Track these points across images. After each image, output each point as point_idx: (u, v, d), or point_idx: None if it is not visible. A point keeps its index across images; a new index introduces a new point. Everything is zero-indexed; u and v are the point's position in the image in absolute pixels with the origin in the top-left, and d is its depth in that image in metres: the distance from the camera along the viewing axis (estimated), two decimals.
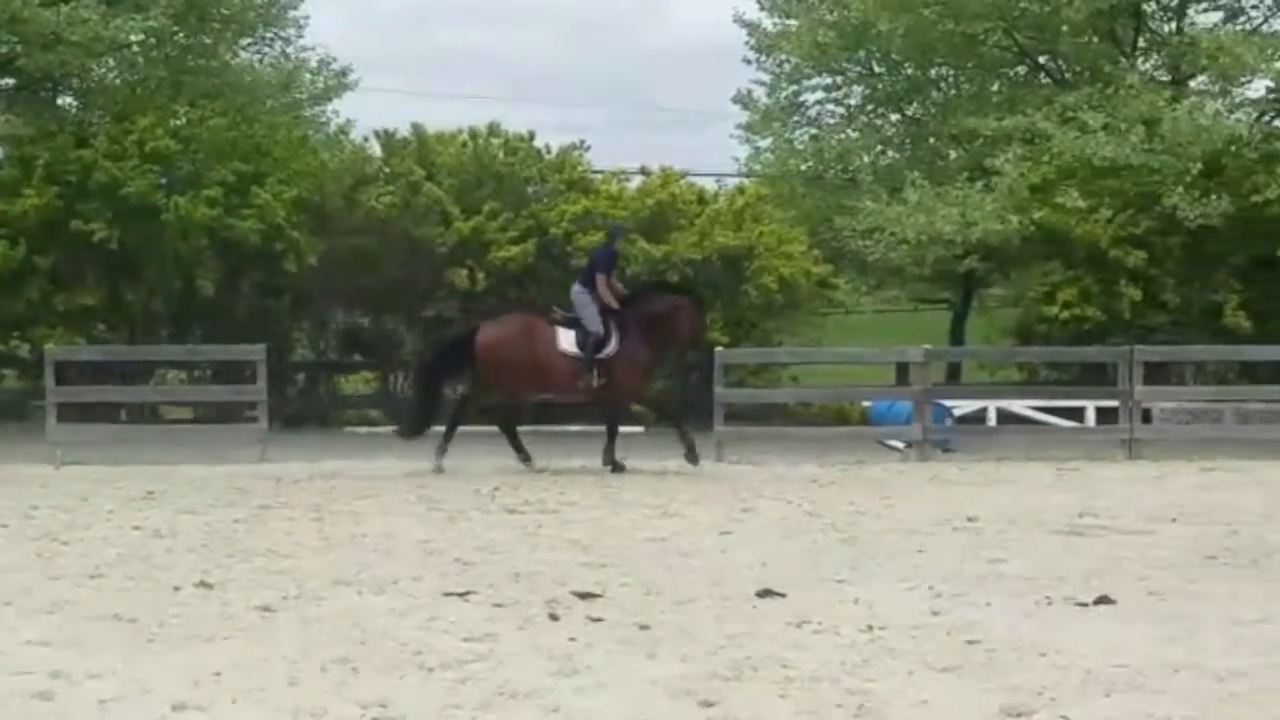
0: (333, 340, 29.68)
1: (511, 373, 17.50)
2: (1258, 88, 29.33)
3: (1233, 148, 27.12)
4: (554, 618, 8.09)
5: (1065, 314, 26.75)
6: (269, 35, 30.87)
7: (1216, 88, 29.17)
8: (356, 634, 7.58)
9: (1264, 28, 29.39)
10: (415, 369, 20.66)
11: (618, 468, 17.38)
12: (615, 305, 17.51)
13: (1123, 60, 28.82)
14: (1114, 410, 20.98)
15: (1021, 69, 31.09)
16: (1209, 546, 10.88)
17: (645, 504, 13.99)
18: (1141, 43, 30.24)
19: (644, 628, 7.80)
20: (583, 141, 29.62)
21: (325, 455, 19.38)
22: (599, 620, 8.03)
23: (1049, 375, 27.49)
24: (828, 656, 7.09)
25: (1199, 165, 26.39)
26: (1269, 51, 27.77)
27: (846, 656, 7.10)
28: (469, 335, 18.02)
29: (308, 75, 31.22)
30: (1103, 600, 8.54)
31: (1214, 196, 26.17)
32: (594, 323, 17.40)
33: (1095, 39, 30.01)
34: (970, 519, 12.71)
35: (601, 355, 17.40)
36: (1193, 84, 29.48)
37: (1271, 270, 26.57)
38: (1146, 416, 21.59)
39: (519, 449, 17.63)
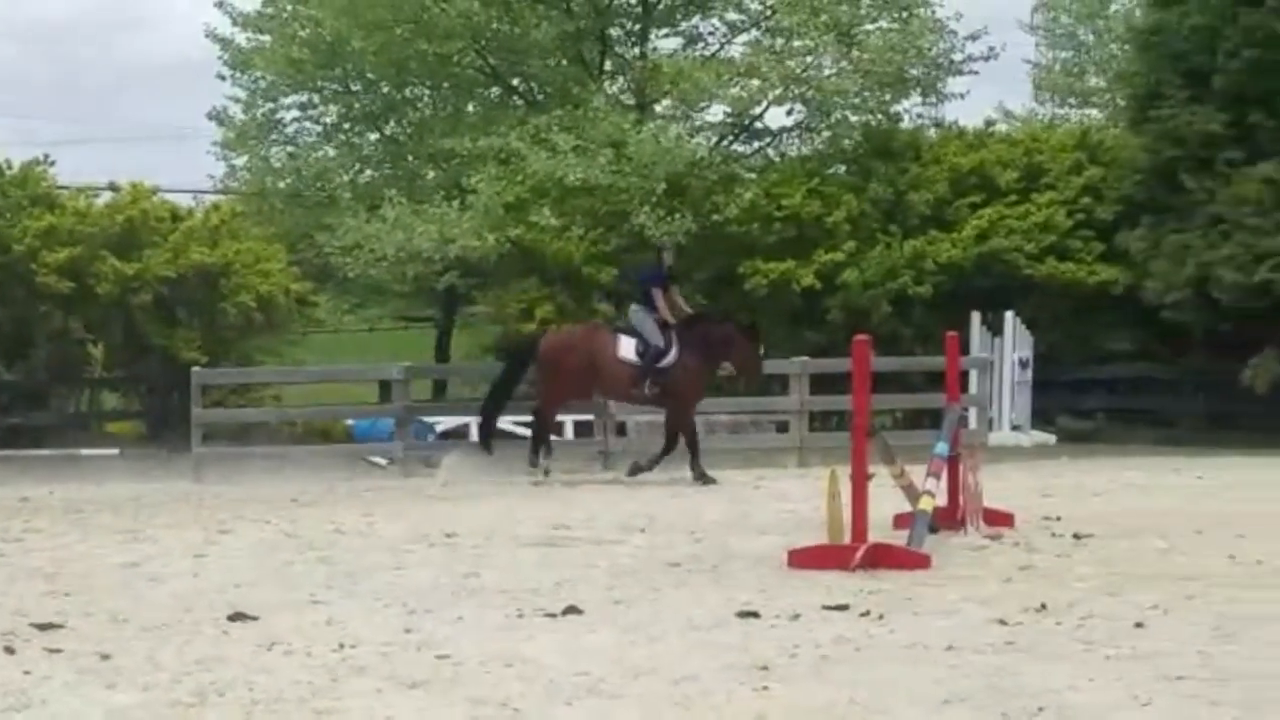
0: None
1: (571, 375, 18.31)
2: (716, 112, 30.77)
3: (694, 169, 28.36)
4: (9, 650, 7.78)
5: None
6: None
7: (679, 111, 30.42)
8: None
9: (720, 54, 30.82)
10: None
11: (706, 480, 17.58)
12: (672, 320, 18.11)
13: (591, 83, 29.73)
14: (590, 424, 21.63)
15: (495, 90, 31.62)
16: (674, 554, 11.32)
17: (117, 529, 13.60)
18: (608, 66, 31.24)
19: (105, 657, 7.59)
20: (46, 156, 28.60)
21: None
22: (58, 651, 7.77)
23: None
24: (297, 677, 7.07)
25: (664, 185, 27.48)
26: (725, 77, 29.16)
27: (315, 677, 7.09)
28: (534, 340, 19.24)
29: None
30: (571, 610, 8.79)
31: (678, 216, 27.30)
32: (654, 336, 18.07)
33: (564, 61, 30.83)
34: (449, 534, 12.85)
35: (661, 365, 17.98)
36: (657, 108, 30.65)
37: (732, 285, 27.88)
38: (621, 429, 22.29)
39: (535, 451, 18.40)
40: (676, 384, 18.11)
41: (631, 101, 30.42)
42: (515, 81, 31.55)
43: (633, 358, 18.19)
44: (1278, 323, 24.16)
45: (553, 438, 23.15)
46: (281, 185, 31.01)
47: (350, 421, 25.72)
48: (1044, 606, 8.79)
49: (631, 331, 18.41)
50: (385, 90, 31.29)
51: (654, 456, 18.31)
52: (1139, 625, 8.32)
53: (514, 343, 21.52)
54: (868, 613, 8.65)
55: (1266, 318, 24.12)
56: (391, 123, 31.82)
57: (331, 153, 31.60)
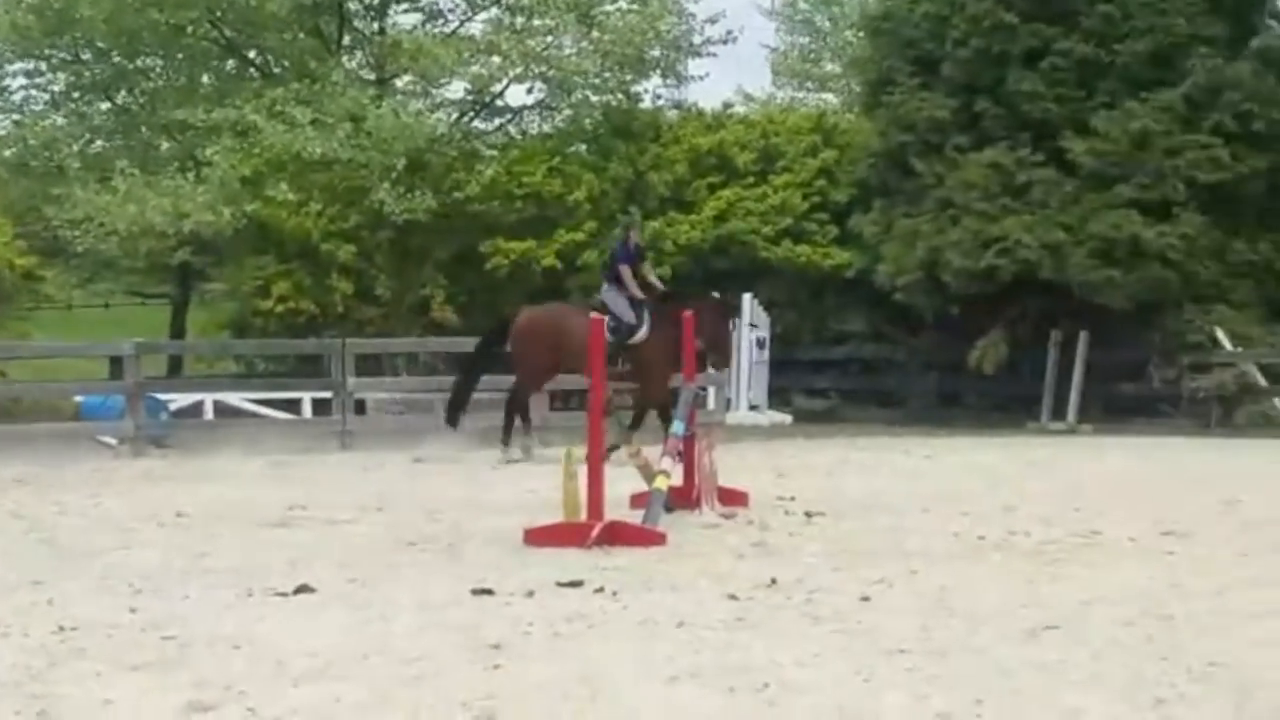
0: None
1: (542, 354, 18.10)
2: (456, 89, 30.63)
3: (434, 145, 28.17)
4: None
5: (280, 307, 27.00)
6: None
7: (419, 87, 30.20)
8: None
9: (460, 31, 30.66)
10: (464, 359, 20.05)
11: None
12: (640, 295, 17.90)
13: (329, 57, 29.31)
14: (329, 402, 21.35)
15: (231, 62, 30.99)
16: (410, 533, 11.25)
17: None
18: (347, 40, 30.84)
19: None
20: None
21: None
22: None
23: (266, 368, 27.66)
24: (14, 661, 6.86)
25: (403, 162, 27.24)
26: (465, 54, 29.02)
27: (33, 659, 6.89)
28: (507, 320, 18.86)
29: None
30: (303, 589, 8.68)
31: (418, 193, 27.10)
32: (626, 313, 17.87)
33: (301, 34, 30.34)
34: (180, 514, 12.59)
35: (633, 341, 17.76)
36: (397, 83, 30.38)
37: (473, 265, 27.79)
38: (360, 407, 22.07)
39: (507, 431, 18.06)
40: (648, 360, 17.90)
41: (371, 77, 30.11)
42: (251, 54, 30.98)
43: (606, 335, 18.05)
44: (1004, 306, 24.92)
45: (289, 417, 22.96)
46: (7, 154, 30.00)
47: (79, 398, 25.00)
48: (774, 582, 8.94)
49: (604, 309, 18.05)
50: (116, 59, 30.42)
51: (627, 435, 17.81)
52: (865, 600, 8.51)
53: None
54: (602, 589, 8.70)
55: (993, 301, 24.86)
56: (123, 92, 30.96)
57: (60, 121, 30.64)
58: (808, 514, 12.20)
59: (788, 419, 24.94)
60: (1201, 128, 25.01)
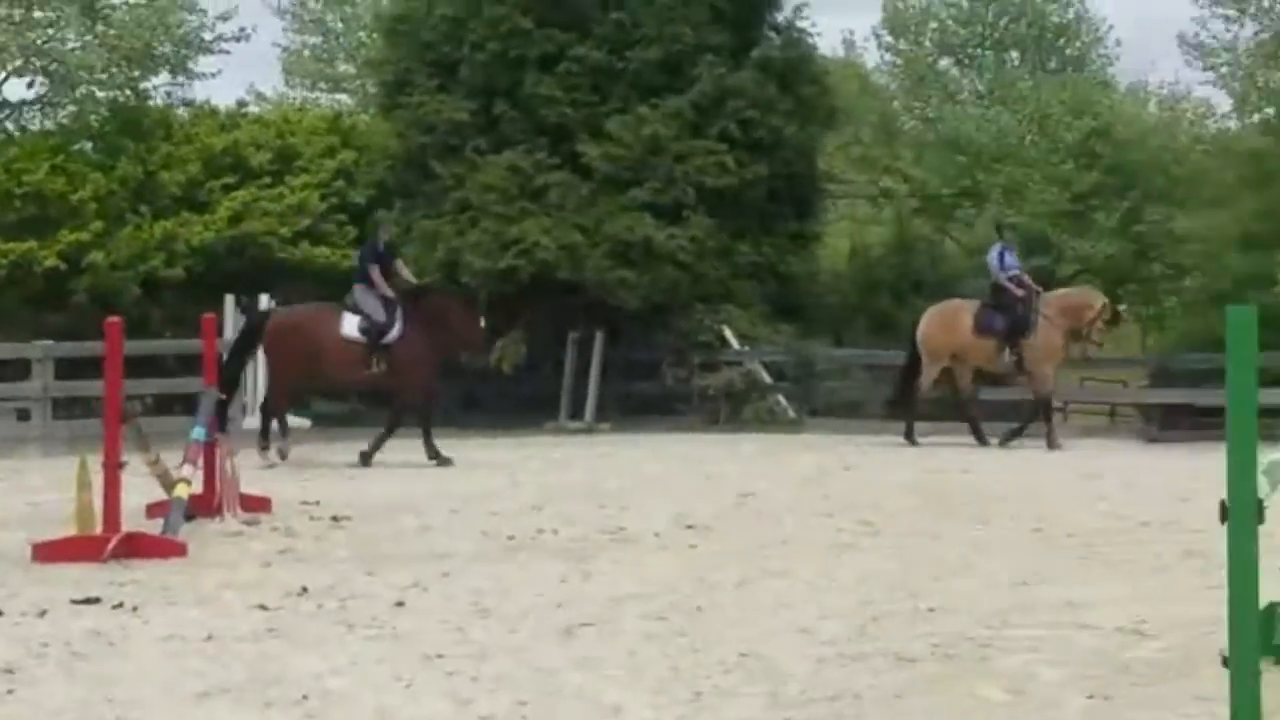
0: None
1: (296, 357, 17.63)
2: None
3: None
4: None
5: None
6: None
7: None
8: None
9: None
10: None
11: (443, 460, 17.04)
12: (391, 294, 17.69)
13: None
14: None
15: None
16: None
17: None
18: None
19: None
20: None
21: None
22: None
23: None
24: None
25: None
26: None
27: None
28: (260, 322, 18.37)
29: None
30: None
31: None
32: (377, 312, 17.65)
33: None
34: None
35: (385, 341, 17.51)
36: None
37: None
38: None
39: (264, 435, 17.55)
40: (402, 360, 17.60)
41: None
42: None
43: (357, 335, 17.67)
44: (523, 306, 25.12)
45: None
46: None
47: None
48: (305, 590, 8.72)
49: (356, 309, 17.86)
50: None
51: (380, 436, 17.59)
52: (399, 604, 8.39)
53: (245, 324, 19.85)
54: (121, 605, 8.31)
55: (513, 301, 25.03)
56: None
57: None
58: (334, 518, 11.99)
59: (306, 424, 24.49)
60: (708, 134, 25.77)
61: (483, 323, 18.44)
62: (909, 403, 20.81)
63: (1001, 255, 20.97)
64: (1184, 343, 23.10)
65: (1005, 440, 19.86)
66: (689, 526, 11.58)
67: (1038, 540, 10.88)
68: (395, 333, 17.77)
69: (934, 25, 47.93)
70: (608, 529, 11.50)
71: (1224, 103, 44.42)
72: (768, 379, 24.55)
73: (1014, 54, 48.11)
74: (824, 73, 29.12)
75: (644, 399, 25.48)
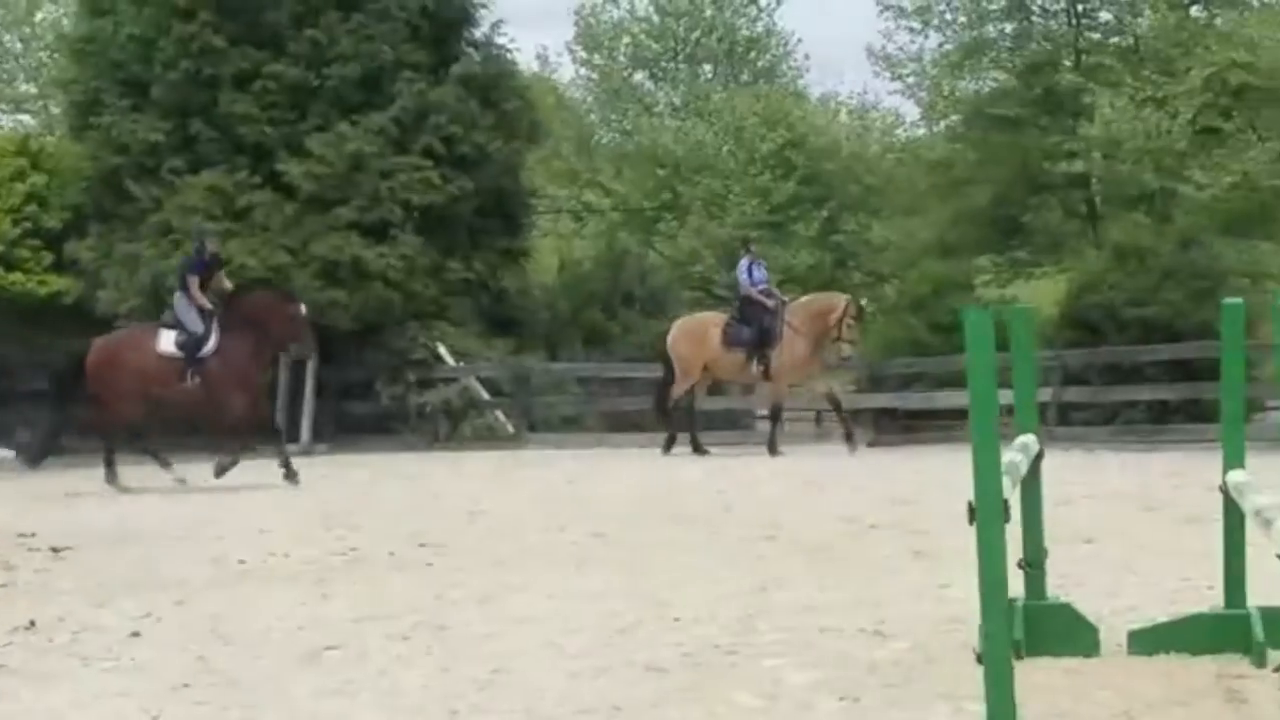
0: None
1: (118, 382, 17.44)
2: None
3: None
4: None
5: None
6: None
7: None
8: None
9: None
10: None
11: (290, 474, 16.98)
12: (208, 306, 17.44)
13: None
14: None
15: None
16: None
17: None
18: None
19: None
20: None
21: None
22: None
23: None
24: None
25: None
26: None
27: None
28: (82, 354, 18.08)
29: None
30: None
31: None
32: (195, 324, 17.44)
33: None
34: None
35: (201, 354, 17.29)
36: None
37: None
38: None
39: (109, 465, 17.36)
40: (217, 374, 17.34)
41: None
42: None
43: (174, 350, 17.32)
44: None
45: None
46: None
47: None
48: (33, 624, 8.40)
49: (175, 324, 17.66)
50: None
51: (232, 449, 17.34)
52: (135, 635, 8.15)
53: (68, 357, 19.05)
54: None
55: None
56: None
57: None
58: (54, 549, 11.59)
59: (9, 454, 23.60)
60: (412, 150, 25.63)
61: (303, 310, 18.10)
62: (668, 414, 21.13)
63: (750, 269, 21.41)
64: (887, 349, 23.72)
65: (772, 449, 20.25)
66: (422, 545, 11.50)
67: (771, 546, 11.07)
68: (211, 345, 17.51)
69: (627, 40, 48.58)
70: (339, 550, 11.35)
71: (912, 112, 46.05)
72: (485, 395, 24.53)
73: (707, 67, 49.01)
74: (525, 88, 29.28)
75: (360, 419, 25.22)
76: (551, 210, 40.23)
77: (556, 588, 9.42)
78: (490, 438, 23.53)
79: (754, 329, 20.79)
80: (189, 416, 19.49)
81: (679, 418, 21.19)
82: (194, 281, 17.84)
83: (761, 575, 9.64)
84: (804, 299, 22.01)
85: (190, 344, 17.54)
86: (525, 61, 31.51)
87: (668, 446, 20.61)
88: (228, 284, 18.49)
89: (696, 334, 21.22)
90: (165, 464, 17.66)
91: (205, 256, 18.25)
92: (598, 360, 25.33)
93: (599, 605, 8.78)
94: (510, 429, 24.21)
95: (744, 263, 21.67)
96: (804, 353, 20.69)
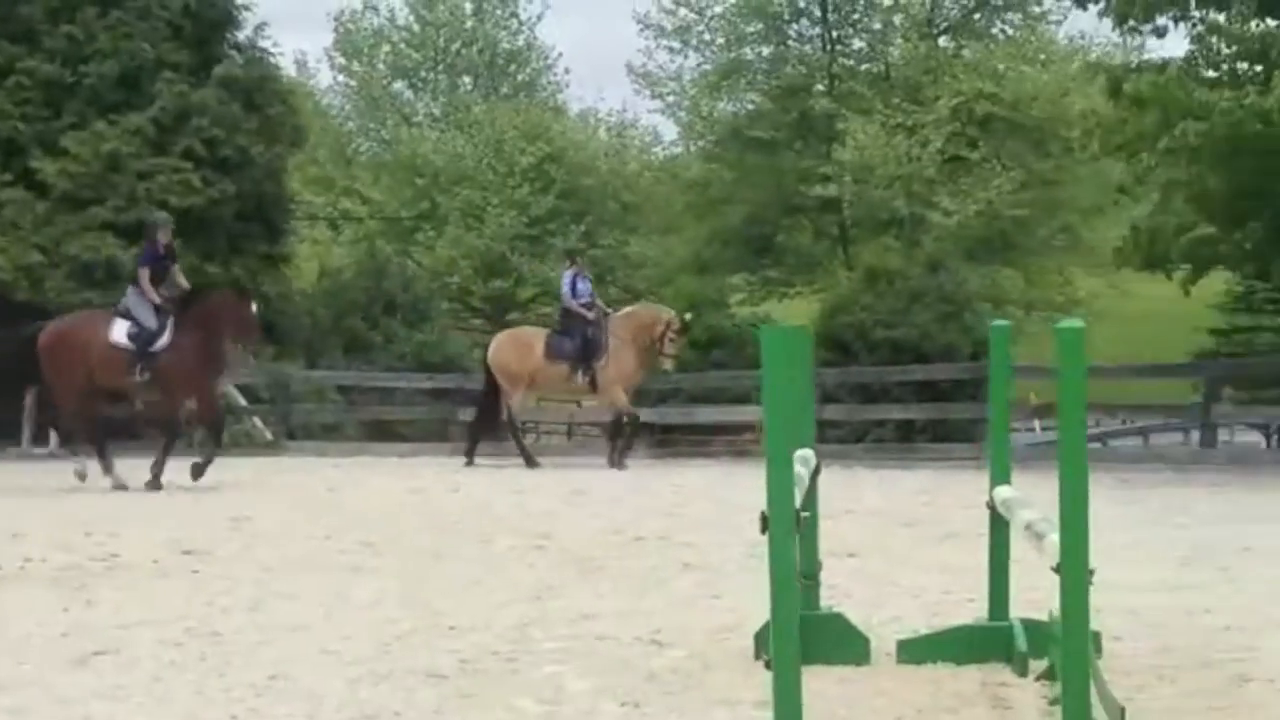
0: None
1: (68, 368, 17.05)
2: None
3: None
4: None
5: None
6: None
7: None
8: None
9: None
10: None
11: (155, 485, 16.61)
12: (159, 301, 16.99)
13: None
14: None
15: None
16: None
17: None
18: None
19: None
20: None
21: None
22: None
23: None
24: None
25: None
26: None
27: None
28: (34, 333, 17.54)
29: None
30: None
31: None
32: (148, 318, 16.99)
33: None
34: None
35: (153, 349, 16.84)
36: None
37: None
38: None
39: (75, 454, 17.11)
40: (167, 372, 16.88)
41: None
42: None
43: (125, 342, 16.93)
44: None
45: None
46: None
47: None
48: None
49: (128, 314, 17.05)
50: None
51: (206, 452, 17.05)
52: None
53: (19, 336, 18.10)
54: None
55: None
56: None
57: None
58: None
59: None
60: (172, 152, 25.20)
61: (254, 308, 17.65)
62: (488, 427, 21.03)
63: (574, 282, 21.42)
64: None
65: (619, 463, 20.31)
66: (186, 552, 11.34)
67: (541, 556, 11.16)
68: (164, 341, 17.04)
69: (386, 48, 48.42)
70: (100, 556, 11.13)
71: (670, 131, 46.74)
72: (243, 401, 24.15)
73: (467, 79, 49.06)
74: (289, 92, 29.02)
75: (113, 424, 24.56)
76: (308, 216, 39.82)
77: (328, 596, 9.39)
78: (248, 445, 23.17)
79: (577, 341, 20.83)
80: (134, 411, 19.84)
81: (510, 430, 21.10)
82: (145, 274, 17.37)
83: (534, 584, 9.73)
84: (626, 310, 22.07)
85: (142, 338, 17.13)
86: (283, 67, 31.17)
87: (470, 455, 20.51)
88: (184, 282, 17.89)
89: (518, 347, 21.18)
90: (74, 453, 17.39)
91: (159, 249, 17.74)
92: (358, 369, 25.13)
93: (373, 613, 8.78)
94: (269, 436, 23.90)
95: (568, 275, 21.72)
96: (632, 364, 20.80)
